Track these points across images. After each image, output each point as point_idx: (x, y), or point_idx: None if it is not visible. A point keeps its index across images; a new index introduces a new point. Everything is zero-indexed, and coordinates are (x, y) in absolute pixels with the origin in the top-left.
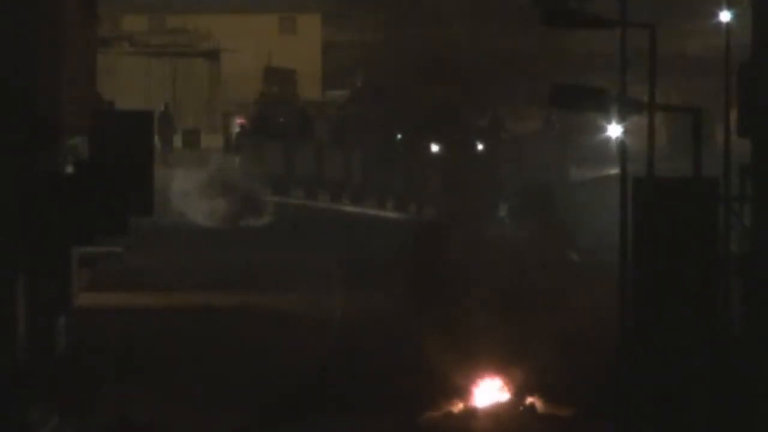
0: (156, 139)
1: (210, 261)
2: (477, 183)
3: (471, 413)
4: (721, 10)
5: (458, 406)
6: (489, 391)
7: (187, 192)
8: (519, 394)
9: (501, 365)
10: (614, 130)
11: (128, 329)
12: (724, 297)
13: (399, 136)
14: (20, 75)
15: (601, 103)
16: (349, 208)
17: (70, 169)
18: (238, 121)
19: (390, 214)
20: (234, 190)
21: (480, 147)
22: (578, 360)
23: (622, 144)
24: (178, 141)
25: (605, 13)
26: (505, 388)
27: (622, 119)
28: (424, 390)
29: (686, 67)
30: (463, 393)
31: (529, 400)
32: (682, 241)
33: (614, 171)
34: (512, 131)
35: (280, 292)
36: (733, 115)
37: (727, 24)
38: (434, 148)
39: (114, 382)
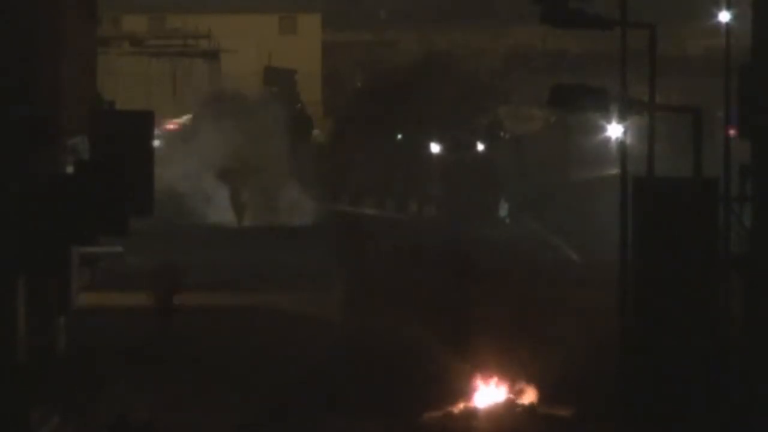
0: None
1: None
2: (477, 183)
3: (471, 413)
4: (720, 10)
5: (458, 406)
6: (489, 391)
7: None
8: (519, 394)
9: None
10: (614, 130)
11: (128, 329)
12: (724, 297)
13: (399, 137)
14: (20, 75)
15: (601, 103)
16: (349, 209)
17: (70, 169)
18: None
19: (392, 214)
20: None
21: (480, 147)
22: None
23: (622, 144)
24: None
25: (605, 13)
26: (505, 388)
27: (622, 119)
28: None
29: (686, 67)
30: (464, 393)
31: (529, 400)
32: (682, 241)
33: (614, 171)
34: (512, 131)
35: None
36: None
37: (727, 24)
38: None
39: (114, 382)
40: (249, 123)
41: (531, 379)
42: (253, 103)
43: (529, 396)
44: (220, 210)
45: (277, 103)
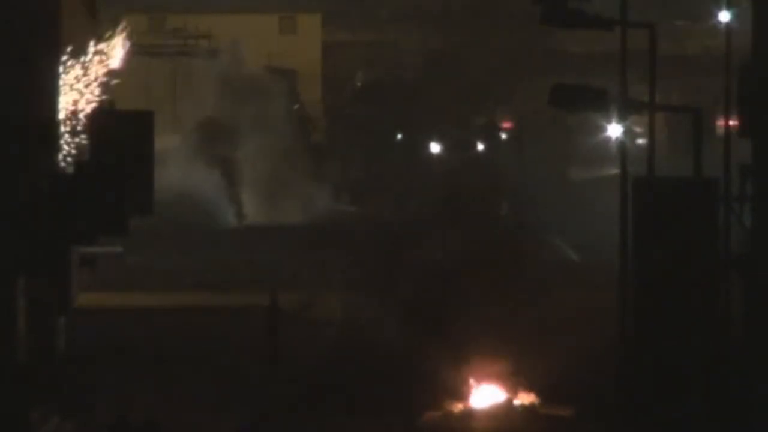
0: None
1: None
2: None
3: (471, 413)
4: (720, 10)
5: (458, 407)
6: (489, 391)
7: None
8: (519, 394)
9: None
10: (614, 130)
11: (128, 329)
12: (724, 297)
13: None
14: (20, 76)
15: (601, 103)
16: (352, 209)
17: (70, 169)
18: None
19: (391, 213)
20: None
21: (480, 147)
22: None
23: (622, 144)
24: None
25: (605, 13)
26: (505, 388)
27: (622, 119)
28: None
29: (686, 67)
30: (463, 393)
31: (529, 400)
32: (682, 241)
33: (614, 171)
34: (512, 131)
35: None
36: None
37: (727, 24)
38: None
39: (114, 382)
40: (245, 98)
41: (531, 379)
42: (254, 77)
43: (529, 396)
44: (224, 210)
45: (276, 76)
